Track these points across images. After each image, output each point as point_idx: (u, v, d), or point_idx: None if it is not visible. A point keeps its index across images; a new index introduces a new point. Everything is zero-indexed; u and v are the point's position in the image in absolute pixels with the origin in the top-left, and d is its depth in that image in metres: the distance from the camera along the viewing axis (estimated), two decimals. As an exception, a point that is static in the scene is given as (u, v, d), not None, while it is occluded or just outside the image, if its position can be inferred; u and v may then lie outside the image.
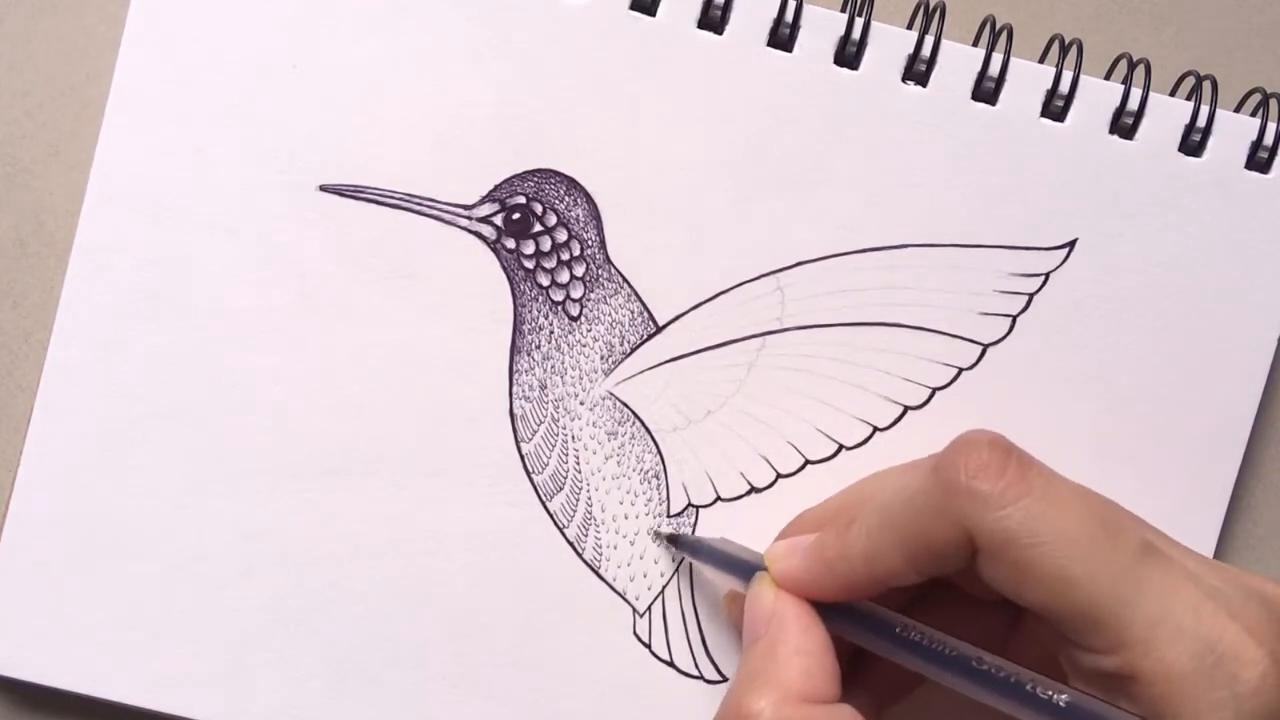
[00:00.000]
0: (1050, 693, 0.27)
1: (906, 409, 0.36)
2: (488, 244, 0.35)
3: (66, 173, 0.36)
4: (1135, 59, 0.36)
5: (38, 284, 0.36)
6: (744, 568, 0.32)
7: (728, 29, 0.35)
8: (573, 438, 0.35)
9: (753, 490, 0.36)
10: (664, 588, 0.35)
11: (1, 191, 0.36)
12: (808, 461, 0.36)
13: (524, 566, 0.35)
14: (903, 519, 0.29)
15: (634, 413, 0.35)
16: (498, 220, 0.35)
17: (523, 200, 0.35)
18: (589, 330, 0.35)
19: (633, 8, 0.35)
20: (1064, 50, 0.35)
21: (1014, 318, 0.36)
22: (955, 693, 0.29)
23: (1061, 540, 0.27)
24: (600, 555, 0.35)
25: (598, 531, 0.35)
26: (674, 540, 0.35)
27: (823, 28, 0.35)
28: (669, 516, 0.35)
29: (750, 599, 0.31)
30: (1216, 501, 0.36)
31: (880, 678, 0.33)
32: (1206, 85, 0.35)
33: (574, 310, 0.35)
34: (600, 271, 0.35)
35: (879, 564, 0.30)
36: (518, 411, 0.35)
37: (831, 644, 0.30)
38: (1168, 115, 0.35)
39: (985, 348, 0.36)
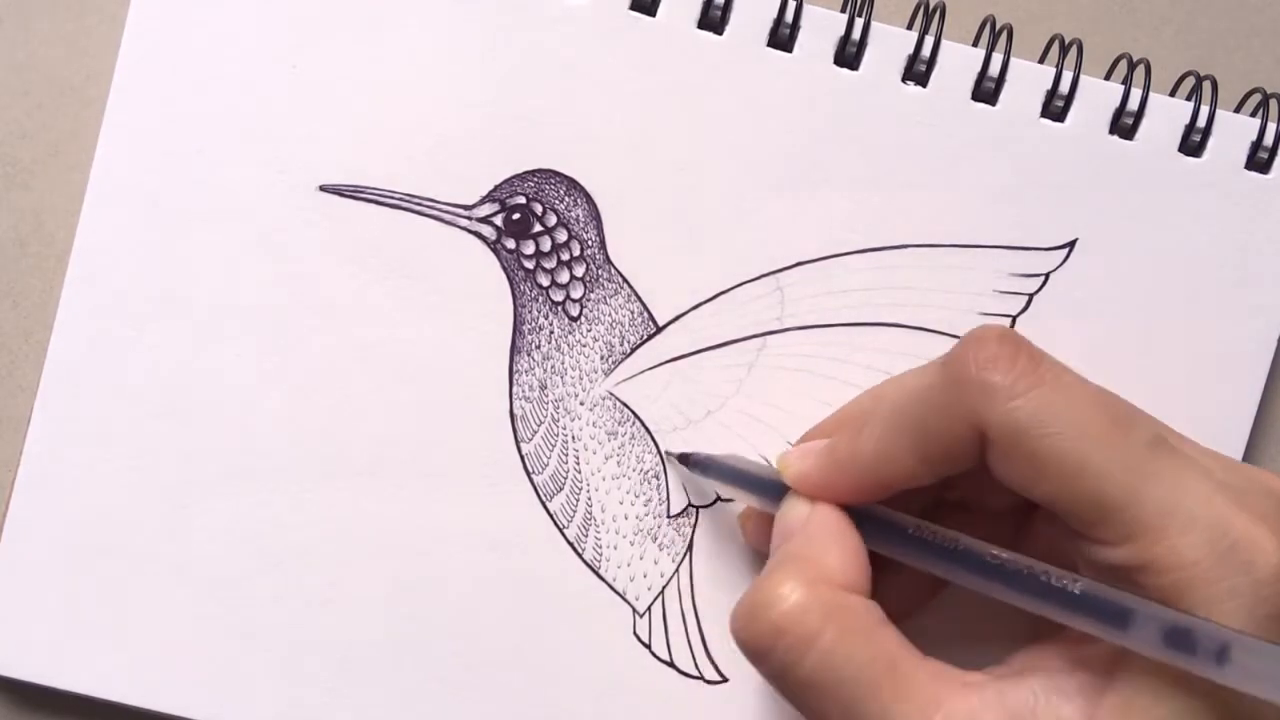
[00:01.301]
0: (1064, 582, 0.26)
1: (906, 409, 0.36)
2: (488, 244, 0.35)
3: (66, 173, 0.36)
4: (1135, 59, 0.36)
5: (38, 284, 0.36)
6: (758, 482, 0.32)
7: (728, 29, 0.35)
8: (573, 438, 0.35)
9: (753, 490, 0.36)
10: (664, 588, 0.35)
11: (1, 191, 0.36)
12: (808, 462, 0.36)
13: (524, 567, 0.35)
14: (913, 417, 0.29)
15: (634, 413, 0.35)
16: (498, 220, 0.35)
17: (523, 200, 0.35)
18: (589, 330, 0.35)
19: (633, 8, 0.35)
20: (1064, 50, 0.35)
21: (1014, 318, 0.36)
22: (968, 600, 0.29)
23: (1073, 430, 0.27)
24: (600, 555, 0.35)
25: (598, 532, 0.35)
26: (685, 460, 0.35)
27: (823, 28, 0.35)
28: (669, 517, 0.35)
29: (784, 511, 0.31)
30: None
31: (895, 589, 0.32)
32: (1206, 85, 0.35)
33: (574, 310, 0.35)
34: (600, 272, 0.35)
35: (891, 464, 0.29)
36: (518, 412, 0.35)
37: (865, 551, 0.30)
38: (1168, 115, 0.35)
39: (985, 348, 0.36)
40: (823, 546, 0.30)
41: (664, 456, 0.35)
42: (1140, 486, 0.26)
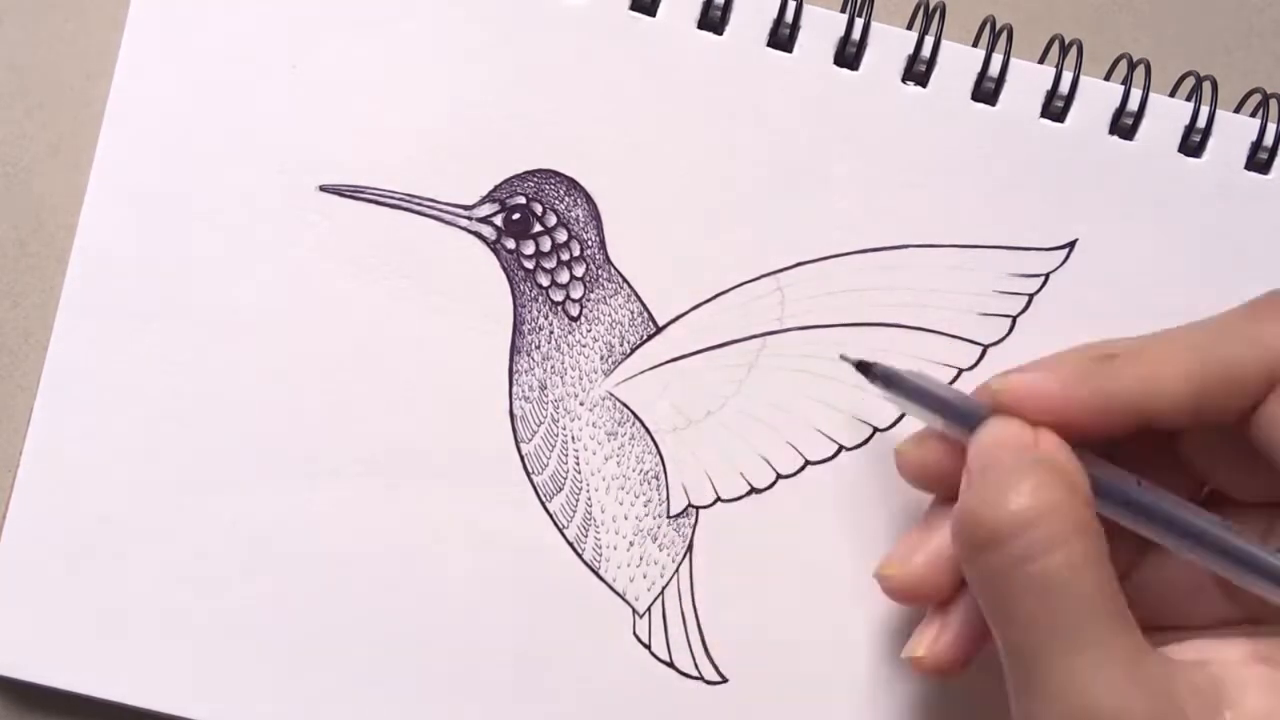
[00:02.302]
0: None
1: (906, 409, 0.36)
2: (487, 244, 0.35)
3: (66, 173, 0.36)
4: (1135, 59, 0.36)
5: (38, 284, 0.36)
6: (947, 402, 0.30)
7: (728, 29, 0.35)
8: (572, 438, 0.35)
9: (753, 491, 0.36)
10: (664, 588, 0.35)
11: (1, 191, 0.36)
12: (808, 462, 0.36)
13: (523, 567, 0.35)
14: (1201, 344, 0.28)
15: (634, 413, 0.35)
16: (498, 220, 0.35)
17: (523, 200, 0.35)
18: (589, 330, 0.35)
19: (633, 8, 0.35)
20: (1064, 51, 0.35)
21: (1014, 318, 0.36)
22: (1174, 569, 0.27)
23: None
24: (600, 556, 0.35)
25: (597, 532, 0.35)
26: (864, 368, 0.32)
27: (823, 28, 0.35)
28: (669, 517, 0.35)
29: (993, 432, 0.28)
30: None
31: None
32: (1206, 86, 0.35)
33: (574, 310, 0.35)
34: (600, 272, 0.35)
35: (1158, 386, 0.28)
36: (517, 412, 0.35)
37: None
38: (1168, 116, 0.35)
39: (985, 348, 0.36)
40: (1068, 460, 0.27)
41: (843, 358, 0.32)
42: None
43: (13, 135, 0.36)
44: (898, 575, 0.31)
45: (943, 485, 0.31)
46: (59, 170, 0.36)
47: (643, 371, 0.35)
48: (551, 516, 0.35)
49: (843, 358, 0.33)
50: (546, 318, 0.35)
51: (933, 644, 0.30)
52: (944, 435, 0.31)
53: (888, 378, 0.31)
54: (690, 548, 0.36)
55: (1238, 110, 0.36)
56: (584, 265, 0.35)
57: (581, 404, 0.35)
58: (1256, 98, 0.36)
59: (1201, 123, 0.35)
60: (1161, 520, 0.28)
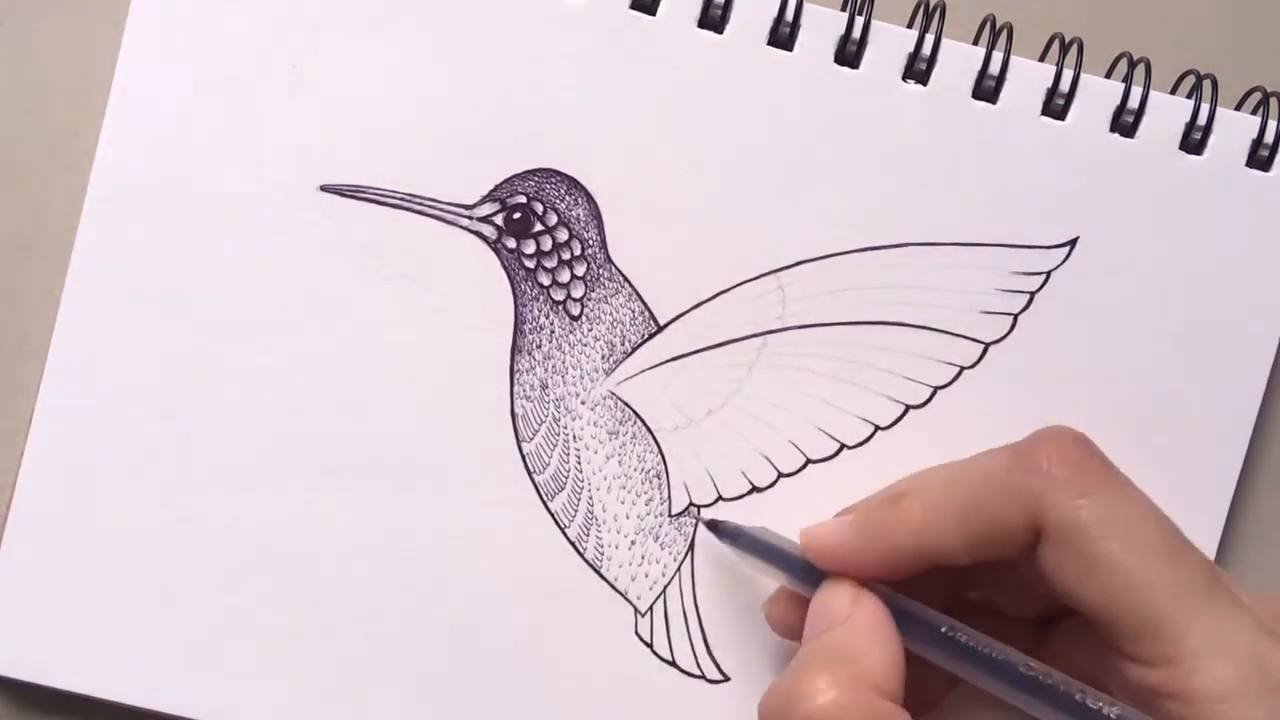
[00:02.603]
0: (1100, 704, 0.26)
1: (908, 408, 0.36)
2: (488, 244, 0.35)
3: (66, 173, 0.36)
4: (1135, 58, 0.36)
5: (38, 284, 0.36)
6: (792, 561, 0.32)
7: (728, 28, 0.35)
8: (574, 437, 0.35)
9: (754, 490, 0.36)
10: (665, 587, 0.35)
11: (1, 191, 0.36)
12: (809, 460, 0.36)
13: (525, 566, 0.35)
14: (968, 493, 0.29)
15: (635, 412, 0.35)
16: (498, 220, 0.35)
17: (523, 200, 0.35)
18: (590, 330, 0.35)
19: (633, 7, 0.35)
20: (1064, 49, 0.35)
21: (1015, 316, 0.35)
22: (978, 704, 0.28)
23: (1134, 539, 0.27)
24: (602, 555, 0.35)
25: (599, 531, 0.35)
26: (714, 527, 0.34)
27: (823, 27, 0.35)
28: (670, 516, 0.35)
29: (825, 596, 0.30)
30: (1219, 500, 0.36)
31: (913, 683, 0.32)
32: (1207, 84, 0.35)
33: (575, 310, 0.35)
34: (601, 271, 0.35)
35: (932, 538, 0.29)
36: (519, 411, 0.35)
37: (904, 655, 0.29)
38: (1168, 113, 0.35)
39: (987, 346, 0.35)
40: (867, 645, 0.28)
41: (695, 515, 0.35)
42: (1190, 611, 0.26)
43: (13, 135, 0.36)
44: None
45: None
46: (59, 170, 0.36)
47: (644, 370, 0.35)
48: (553, 516, 0.35)
49: (694, 514, 0.35)
50: (548, 317, 0.35)
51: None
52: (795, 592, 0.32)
53: (734, 535, 0.33)
54: (692, 547, 0.36)
55: (1238, 109, 0.36)
56: (585, 264, 0.35)
57: (583, 403, 0.35)
58: (1257, 96, 0.36)
59: (1202, 120, 0.35)
60: (964, 659, 0.29)
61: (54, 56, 0.36)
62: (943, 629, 0.29)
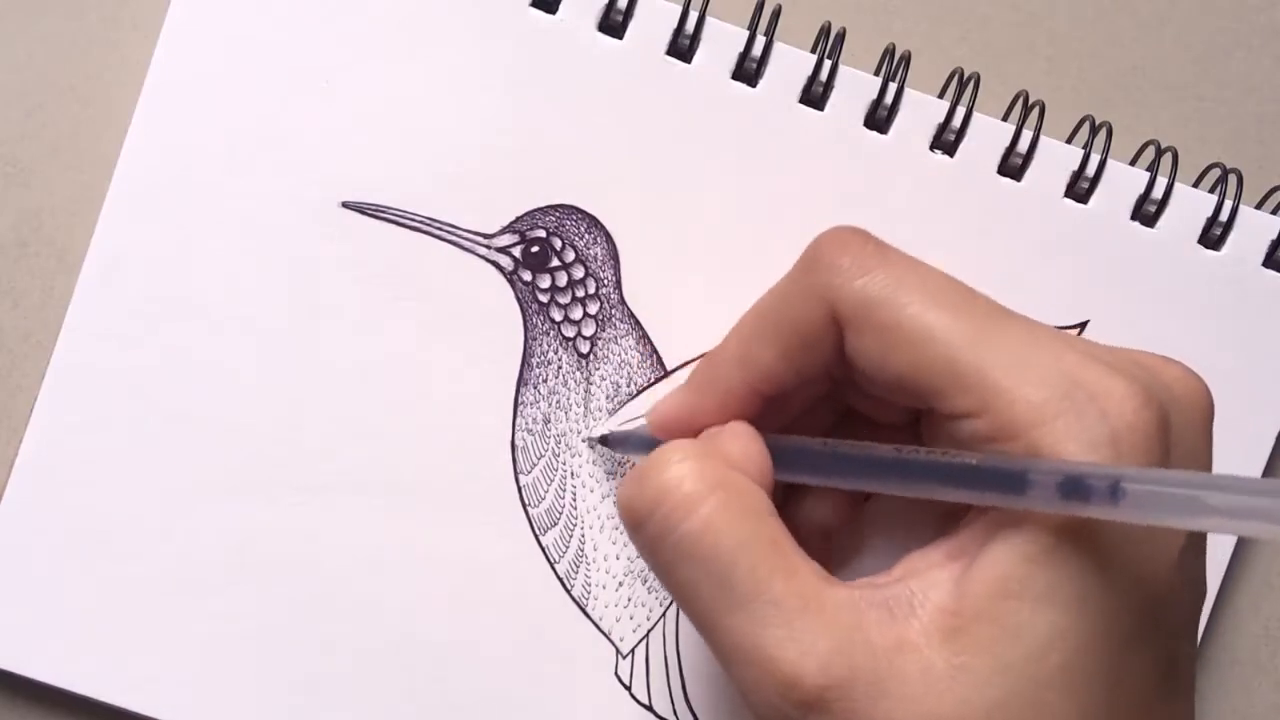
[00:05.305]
0: (962, 458, 0.26)
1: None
2: (504, 274, 0.35)
3: (66, 173, 0.36)
4: (1163, 146, 0.36)
5: (38, 284, 0.36)
6: (646, 441, 0.32)
7: (761, 83, 0.35)
8: (572, 474, 0.35)
9: (745, 540, 0.36)
10: (649, 631, 0.36)
11: (1, 191, 0.36)
12: (803, 517, 0.36)
13: (512, 598, 0.35)
14: (770, 311, 0.30)
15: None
16: (516, 251, 0.35)
17: (543, 234, 0.35)
18: (597, 369, 0.35)
19: (669, 53, 0.35)
20: (1094, 131, 0.35)
21: (1020, 393, 0.36)
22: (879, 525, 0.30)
23: (921, 299, 0.27)
24: (589, 593, 0.35)
25: (588, 569, 0.35)
26: (605, 441, 0.35)
27: (856, 89, 0.35)
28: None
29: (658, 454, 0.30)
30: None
31: (807, 514, 0.32)
32: (1232, 179, 0.36)
33: (584, 347, 0.35)
34: (613, 311, 0.35)
35: (753, 365, 0.30)
36: (519, 443, 0.35)
37: (766, 451, 0.30)
38: (1191, 206, 0.36)
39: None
40: (721, 437, 0.30)
41: (589, 444, 0.35)
42: (989, 346, 0.26)
43: (13, 135, 0.36)
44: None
45: None
46: (59, 170, 0.36)
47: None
48: (544, 550, 0.35)
49: (588, 440, 0.35)
50: (556, 352, 0.35)
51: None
52: None
53: (620, 441, 0.34)
54: (679, 594, 0.36)
55: (1259, 206, 0.36)
56: (598, 303, 0.35)
57: (584, 441, 0.35)
58: (1278, 196, 0.36)
59: (1224, 216, 0.35)
60: (845, 468, 0.29)
61: (54, 56, 0.36)
62: (815, 446, 0.30)
